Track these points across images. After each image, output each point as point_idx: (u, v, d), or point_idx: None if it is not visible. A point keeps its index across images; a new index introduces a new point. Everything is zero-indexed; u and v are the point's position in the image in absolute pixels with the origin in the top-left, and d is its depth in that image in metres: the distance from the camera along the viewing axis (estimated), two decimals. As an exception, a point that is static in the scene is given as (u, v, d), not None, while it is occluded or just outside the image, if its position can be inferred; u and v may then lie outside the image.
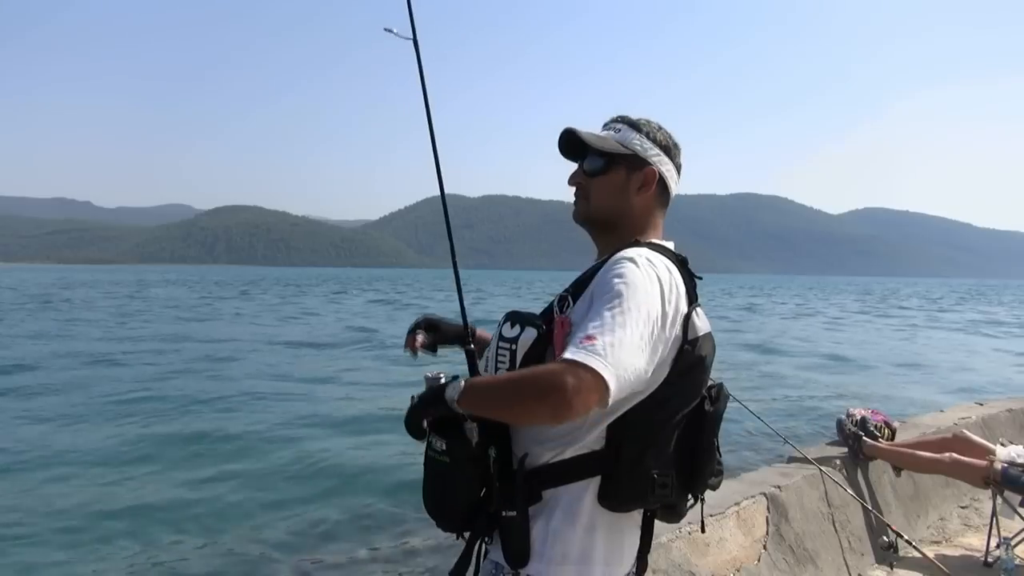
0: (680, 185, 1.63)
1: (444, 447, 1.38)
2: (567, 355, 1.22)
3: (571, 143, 1.58)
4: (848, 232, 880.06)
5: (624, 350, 1.24)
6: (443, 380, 1.40)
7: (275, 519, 6.16)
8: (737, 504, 3.40)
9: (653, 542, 1.57)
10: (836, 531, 3.88)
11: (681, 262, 1.49)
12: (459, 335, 1.75)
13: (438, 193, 1.75)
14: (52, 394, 11.81)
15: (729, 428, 9.20)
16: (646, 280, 1.35)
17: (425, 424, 1.39)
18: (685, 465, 1.44)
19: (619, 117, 1.60)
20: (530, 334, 1.41)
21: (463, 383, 1.32)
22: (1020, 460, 3.91)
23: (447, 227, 1.78)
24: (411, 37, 1.70)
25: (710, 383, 1.50)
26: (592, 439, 1.39)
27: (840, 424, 4.46)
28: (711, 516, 3.21)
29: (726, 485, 3.79)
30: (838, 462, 4.16)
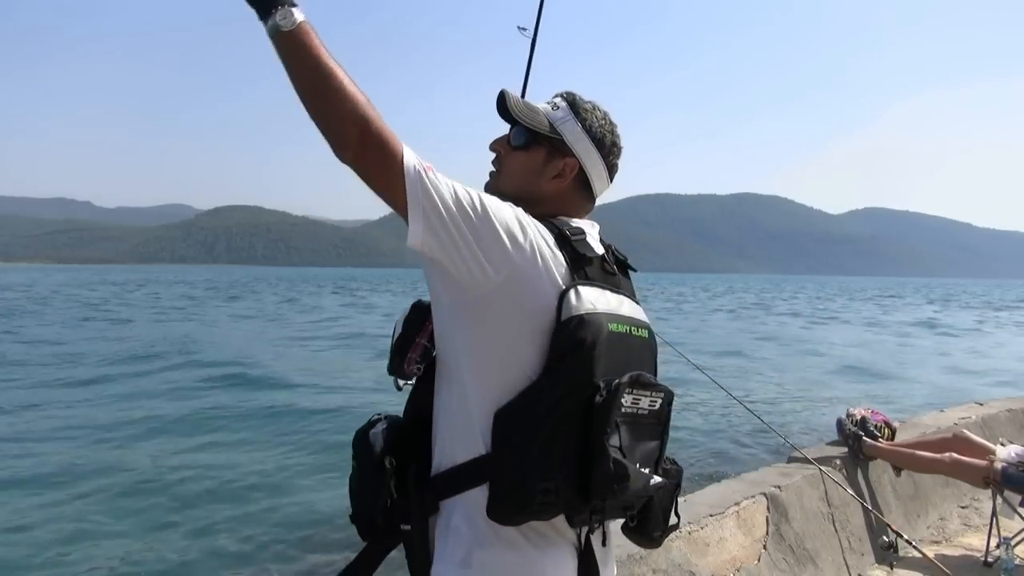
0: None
1: (353, 452, 1.38)
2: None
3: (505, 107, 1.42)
4: (848, 232, 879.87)
5: (444, 186, 1.20)
6: None
7: (274, 514, 6.16)
8: (737, 504, 3.40)
9: None
10: (836, 531, 3.88)
11: (563, 238, 1.32)
12: None
13: None
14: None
15: (729, 428, 9.18)
16: (503, 203, 1.28)
17: None
18: (572, 469, 1.22)
19: (565, 94, 1.45)
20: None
21: (302, 19, 1.14)
22: (1020, 460, 3.91)
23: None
24: (532, 36, 2.05)
25: (617, 380, 1.24)
26: (477, 441, 1.26)
27: (840, 424, 4.46)
28: (711, 516, 3.21)
29: (726, 485, 3.79)
30: (838, 462, 4.16)
